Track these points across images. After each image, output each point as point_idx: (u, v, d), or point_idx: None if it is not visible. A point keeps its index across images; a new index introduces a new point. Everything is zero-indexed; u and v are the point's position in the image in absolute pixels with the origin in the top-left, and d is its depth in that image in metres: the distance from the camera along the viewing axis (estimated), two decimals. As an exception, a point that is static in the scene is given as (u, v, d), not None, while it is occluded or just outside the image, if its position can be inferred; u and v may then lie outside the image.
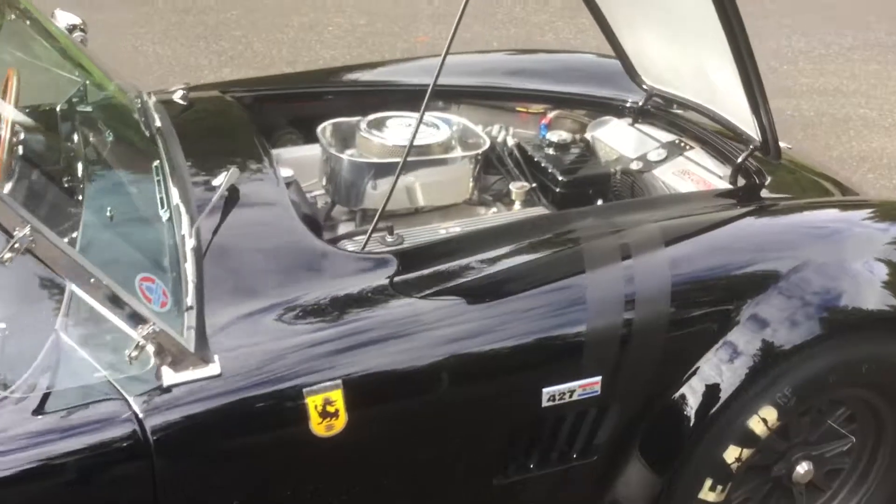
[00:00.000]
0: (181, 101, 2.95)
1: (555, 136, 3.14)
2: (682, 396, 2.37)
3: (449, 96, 3.52)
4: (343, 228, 2.81)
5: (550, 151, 3.10)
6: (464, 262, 2.35)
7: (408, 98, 3.37)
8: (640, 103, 3.43)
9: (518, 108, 3.58)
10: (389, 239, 2.62)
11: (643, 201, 2.91)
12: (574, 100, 3.56)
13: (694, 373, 2.38)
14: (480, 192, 3.02)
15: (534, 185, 2.98)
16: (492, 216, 2.87)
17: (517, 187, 2.90)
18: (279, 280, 2.18)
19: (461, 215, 2.93)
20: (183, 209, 2.24)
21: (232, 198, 2.37)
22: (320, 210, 2.94)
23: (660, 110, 3.43)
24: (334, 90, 3.48)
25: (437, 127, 2.98)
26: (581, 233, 2.43)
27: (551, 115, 3.52)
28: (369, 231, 2.46)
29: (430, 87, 2.44)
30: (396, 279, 2.24)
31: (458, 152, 2.96)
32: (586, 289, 2.23)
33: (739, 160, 2.93)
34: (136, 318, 1.87)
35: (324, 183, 2.92)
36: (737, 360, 2.39)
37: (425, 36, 7.38)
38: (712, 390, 2.37)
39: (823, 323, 2.42)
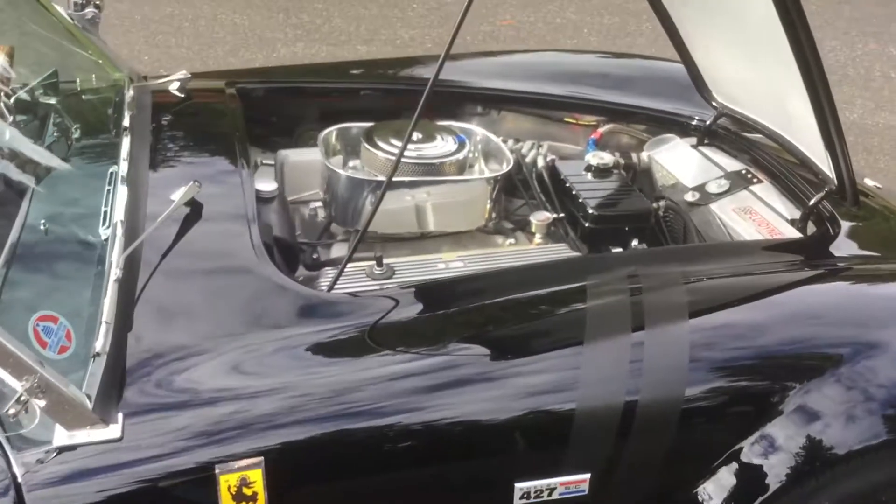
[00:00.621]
0: (176, 93, 2.64)
1: (595, 158, 2.71)
2: (698, 500, 1.94)
3: (490, 101, 3.12)
4: (337, 251, 2.46)
5: (587, 177, 2.67)
6: (444, 315, 1.97)
7: (449, 100, 3.00)
8: (708, 122, 2.97)
9: (566, 119, 3.16)
10: (377, 271, 2.26)
11: (682, 250, 2.46)
12: (633, 112, 3.11)
13: (718, 470, 1.95)
14: (502, 217, 2.63)
15: (561, 215, 2.57)
16: (504, 250, 2.47)
17: (539, 219, 2.49)
18: (216, 325, 1.85)
19: (474, 243, 2.55)
20: (120, 230, 1.93)
21: (186, 218, 2.05)
22: (319, 223, 2.60)
23: (728, 132, 2.96)
24: (367, 87, 3.11)
25: (455, 140, 2.59)
26: (593, 290, 2.01)
27: (603, 128, 3.09)
28: (341, 265, 2.10)
29: (427, 89, 2.02)
30: (354, 331, 1.88)
31: (475, 172, 2.57)
32: (581, 363, 1.83)
33: (811, 203, 2.46)
34: (21, 367, 1.56)
35: (322, 195, 2.57)
36: (774, 458, 1.94)
37: (511, 19, 6.94)
38: (739, 493, 1.94)
39: (889, 424, 1.95)
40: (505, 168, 2.55)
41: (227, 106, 2.65)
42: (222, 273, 1.98)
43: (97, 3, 2.85)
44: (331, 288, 2.08)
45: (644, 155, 3.04)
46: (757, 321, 2.03)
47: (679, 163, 2.94)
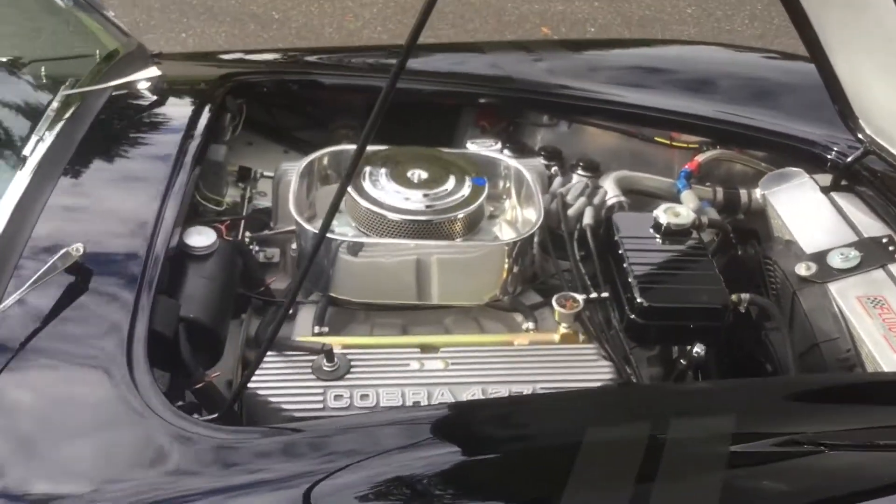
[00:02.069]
0: (146, 93, 2.14)
1: (667, 214, 1.99)
2: None
3: (558, 109, 2.45)
4: (303, 320, 1.90)
5: (652, 242, 1.96)
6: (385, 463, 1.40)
7: (509, 104, 2.36)
8: (850, 159, 2.19)
9: (658, 139, 2.44)
10: (327, 366, 1.70)
11: (801, 385, 1.74)
12: (749, 134, 2.35)
13: None
14: (527, 285, 1.98)
15: (603, 295, 1.89)
16: (502, 346, 1.82)
17: (562, 306, 1.82)
18: (55, 467, 1.36)
19: (479, 322, 1.93)
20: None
21: (61, 289, 1.56)
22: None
23: (875, 177, 2.18)
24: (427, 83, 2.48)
25: (471, 183, 1.95)
26: (668, 457, 1.36)
27: (704, 156, 2.35)
28: (245, 375, 1.53)
29: (380, 102, 1.32)
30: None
31: (498, 224, 1.93)
32: None
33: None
34: None
35: (293, 247, 2.01)
36: None
37: (547, 28, 5.80)
38: None
39: None
40: (527, 233, 1.89)
41: (205, 103, 2.10)
42: (76, 386, 1.48)
43: None
44: (234, 399, 1.53)
45: (757, 193, 2.30)
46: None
47: (799, 212, 2.18)
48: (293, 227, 1.94)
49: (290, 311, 1.87)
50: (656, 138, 2.44)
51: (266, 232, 2.11)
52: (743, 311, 1.86)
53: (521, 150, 2.43)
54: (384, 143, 2.08)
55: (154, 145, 2.02)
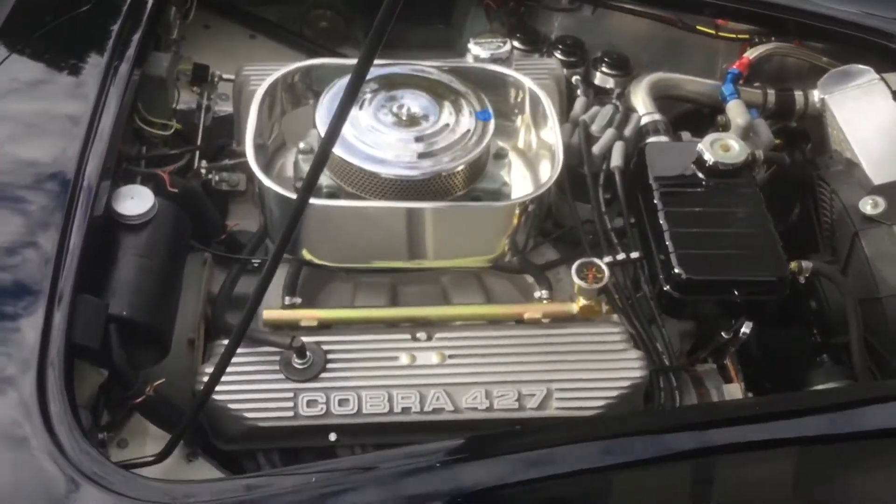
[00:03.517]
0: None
1: (713, 148, 1.61)
2: None
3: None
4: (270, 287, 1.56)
5: (694, 186, 1.60)
6: None
7: None
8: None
9: (700, 28, 2.02)
10: (297, 364, 1.40)
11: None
12: (811, 22, 1.94)
13: None
14: (538, 239, 1.64)
15: (637, 256, 1.55)
16: (516, 316, 1.51)
17: (583, 274, 1.48)
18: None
19: (490, 277, 1.61)
20: None
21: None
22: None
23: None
24: None
25: (474, 115, 1.56)
26: None
27: (756, 51, 1.95)
28: (197, 400, 1.22)
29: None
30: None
31: (487, 178, 1.55)
32: None
33: None
34: None
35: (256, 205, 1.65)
36: None
37: None
38: None
39: None
40: (535, 193, 1.52)
41: (133, 11, 1.67)
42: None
43: None
44: (175, 441, 1.23)
45: (815, 95, 1.91)
46: None
47: (866, 123, 1.81)
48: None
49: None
50: (698, 27, 2.02)
51: (227, 161, 1.75)
52: (803, 281, 1.52)
53: (533, 42, 2.03)
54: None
55: (73, 66, 1.60)
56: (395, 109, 1.54)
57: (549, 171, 1.57)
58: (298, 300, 1.54)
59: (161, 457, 1.25)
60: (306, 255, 1.55)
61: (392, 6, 0.90)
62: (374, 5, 1.81)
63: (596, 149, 1.64)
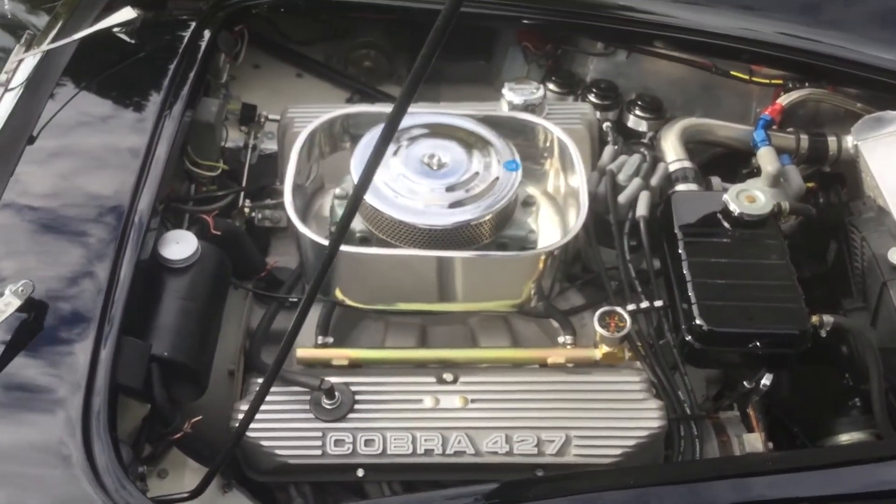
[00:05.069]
0: (123, 37, 1.80)
1: (738, 199, 1.63)
2: None
3: (614, 35, 2.06)
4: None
5: (720, 234, 1.63)
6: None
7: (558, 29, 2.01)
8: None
9: (734, 73, 2.05)
10: (327, 405, 1.47)
11: None
12: (846, 71, 1.95)
13: None
14: (564, 285, 1.68)
15: (660, 304, 1.59)
16: (539, 360, 1.56)
17: (605, 323, 1.52)
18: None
19: (516, 320, 1.66)
20: None
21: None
22: None
23: None
24: None
25: (502, 165, 1.61)
26: None
27: (788, 97, 1.97)
28: (227, 447, 1.30)
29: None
30: None
31: (514, 226, 1.61)
32: None
33: None
34: None
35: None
36: None
37: None
38: None
39: None
40: (558, 244, 1.57)
41: (184, 60, 1.76)
42: (19, 466, 1.26)
43: None
44: (209, 479, 1.31)
45: (848, 141, 1.93)
46: None
47: (899, 172, 1.82)
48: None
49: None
50: (732, 72, 2.04)
51: (268, 201, 1.83)
52: (824, 335, 1.54)
53: (569, 85, 2.07)
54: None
55: (125, 112, 1.69)
56: (426, 159, 1.60)
57: (575, 219, 1.62)
58: (331, 339, 1.61)
59: (195, 493, 1.32)
60: (339, 295, 1.62)
61: (428, 56, 0.95)
62: (416, 44, 1.88)
63: (622, 198, 1.68)
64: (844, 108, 2.02)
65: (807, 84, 2.01)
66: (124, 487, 1.24)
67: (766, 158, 1.85)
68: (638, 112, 2.02)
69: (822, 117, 2.07)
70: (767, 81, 2.04)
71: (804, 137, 1.95)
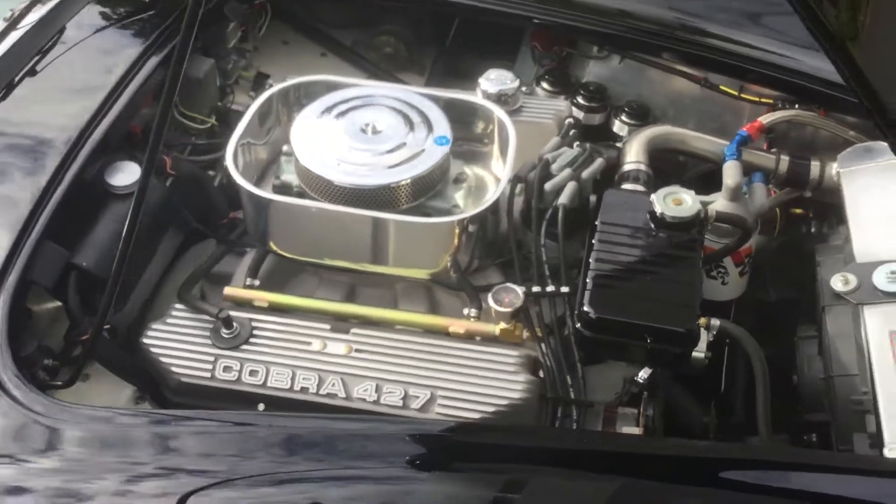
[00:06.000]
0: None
1: (665, 202, 1.62)
2: None
3: (607, 40, 2.09)
4: (243, 267, 1.76)
5: (643, 234, 1.62)
6: None
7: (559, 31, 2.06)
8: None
9: (724, 88, 2.03)
10: (225, 334, 1.59)
11: None
12: (841, 97, 1.90)
13: None
14: (483, 261, 1.73)
15: (566, 290, 1.61)
16: (440, 327, 1.61)
17: (499, 299, 1.56)
18: None
19: (438, 291, 1.73)
20: None
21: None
22: None
23: None
24: None
25: (433, 139, 1.68)
26: None
27: (771, 116, 1.94)
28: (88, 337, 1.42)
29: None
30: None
31: (439, 196, 1.68)
32: None
33: None
34: None
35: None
36: None
37: None
38: None
39: None
40: (471, 212, 1.63)
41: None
42: None
43: None
44: (78, 369, 1.46)
45: (833, 169, 1.88)
46: None
47: (871, 202, 1.76)
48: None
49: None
50: (721, 87, 2.03)
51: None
52: (711, 339, 1.52)
53: (562, 85, 2.11)
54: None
55: (106, 58, 1.87)
56: (363, 126, 1.71)
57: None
58: (257, 282, 1.72)
59: (68, 383, 1.47)
60: (272, 245, 1.74)
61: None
62: (439, 36, 1.93)
63: (548, 185, 1.72)
64: (843, 138, 1.96)
65: (797, 106, 1.97)
66: (8, 370, 1.40)
67: (728, 172, 1.82)
68: (624, 118, 2.04)
69: (818, 143, 2.01)
70: (757, 99, 2.01)
71: (784, 159, 1.91)
